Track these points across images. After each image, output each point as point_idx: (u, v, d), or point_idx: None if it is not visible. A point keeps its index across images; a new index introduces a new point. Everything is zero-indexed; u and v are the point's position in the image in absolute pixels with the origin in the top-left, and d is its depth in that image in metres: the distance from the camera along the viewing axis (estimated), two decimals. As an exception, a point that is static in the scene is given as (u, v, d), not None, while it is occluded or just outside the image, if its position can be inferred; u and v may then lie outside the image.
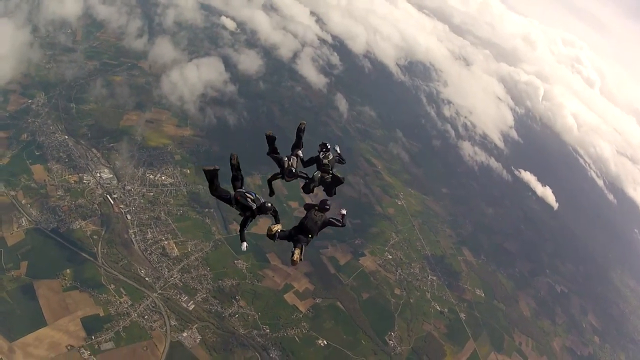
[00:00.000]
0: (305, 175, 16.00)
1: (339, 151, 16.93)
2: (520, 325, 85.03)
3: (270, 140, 15.82)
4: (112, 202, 72.05)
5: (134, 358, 56.16)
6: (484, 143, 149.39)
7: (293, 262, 13.40)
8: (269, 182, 16.62)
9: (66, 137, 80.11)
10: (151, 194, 75.44)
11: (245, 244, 14.21)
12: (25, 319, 56.15)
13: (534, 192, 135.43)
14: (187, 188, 78.88)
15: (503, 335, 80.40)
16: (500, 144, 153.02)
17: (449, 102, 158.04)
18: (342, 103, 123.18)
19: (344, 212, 15.93)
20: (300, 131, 16.36)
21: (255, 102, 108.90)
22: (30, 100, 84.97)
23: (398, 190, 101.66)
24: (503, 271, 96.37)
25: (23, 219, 65.67)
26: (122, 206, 72.01)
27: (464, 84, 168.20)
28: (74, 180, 73.45)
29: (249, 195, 13.54)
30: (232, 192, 13.65)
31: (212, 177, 13.19)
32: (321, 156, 16.12)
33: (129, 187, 75.07)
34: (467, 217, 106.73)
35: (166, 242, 68.36)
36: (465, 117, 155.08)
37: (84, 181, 73.88)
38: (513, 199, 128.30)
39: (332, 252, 78.81)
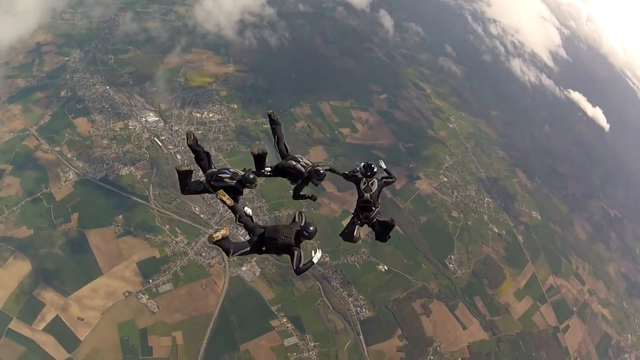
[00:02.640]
0: (329, 168, 13.29)
1: (384, 167, 13.59)
2: (577, 249, 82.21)
3: (261, 159, 12.97)
4: (161, 144, 70.72)
5: (193, 297, 56.14)
6: (534, 61, 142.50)
7: (210, 239, 10.87)
8: (298, 197, 13.39)
9: (107, 87, 78.29)
10: (199, 131, 73.37)
11: (247, 208, 11.90)
12: (80, 271, 56.26)
13: (584, 113, 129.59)
14: (236, 123, 77.10)
15: (560, 258, 77.90)
16: (549, 62, 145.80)
17: (495, 21, 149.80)
18: (386, 20, 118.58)
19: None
20: (275, 124, 13.82)
21: (296, 23, 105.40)
22: (66, 58, 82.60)
23: (448, 114, 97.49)
24: (557, 194, 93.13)
25: (70, 173, 65.09)
26: (170, 147, 70.62)
27: (508, 3, 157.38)
28: (119, 128, 72.23)
29: (223, 175, 11.67)
30: (203, 179, 11.76)
31: (185, 177, 11.68)
32: (362, 186, 12.92)
33: (177, 128, 73.45)
34: (518, 139, 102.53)
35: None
36: (512, 36, 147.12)
37: (130, 127, 72.61)
38: (563, 120, 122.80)
39: (387, 177, 75.59)
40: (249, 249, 11.30)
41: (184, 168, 11.61)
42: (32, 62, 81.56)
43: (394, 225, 12.76)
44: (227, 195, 11.13)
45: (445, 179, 79.99)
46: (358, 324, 58.58)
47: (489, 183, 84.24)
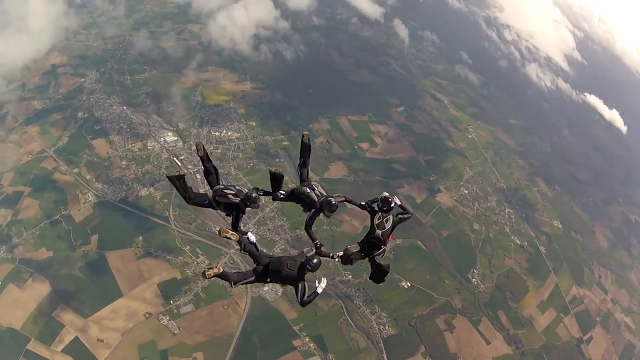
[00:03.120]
0: (344, 199, 12.52)
1: (399, 202, 12.34)
2: (599, 257, 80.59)
3: (277, 180, 12.27)
4: (180, 164, 70.45)
5: (215, 318, 55.54)
6: (549, 65, 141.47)
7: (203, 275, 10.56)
8: (309, 229, 12.15)
9: (124, 107, 78.48)
10: (218, 150, 73.43)
11: (251, 234, 11.46)
12: (99, 292, 55.94)
13: (601, 116, 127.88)
14: (255, 141, 76.96)
15: (583, 268, 76.45)
16: (565, 66, 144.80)
17: (509, 26, 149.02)
18: (401, 29, 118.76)
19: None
20: (305, 146, 13.01)
21: (311, 37, 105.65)
22: (82, 79, 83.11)
23: (467, 124, 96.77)
24: (577, 201, 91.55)
25: (89, 194, 65.04)
26: (190, 167, 70.12)
27: (520, 8, 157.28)
28: (138, 148, 72.23)
29: (228, 191, 11.37)
30: (210, 193, 11.55)
31: (178, 184, 11.40)
32: (376, 221, 12.00)
33: (195, 147, 72.23)
34: (537, 147, 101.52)
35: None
36: (527, 41, 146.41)
37: (148, 147, 72.60)
38: (581, 124, 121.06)
39: (408, 191, 75.58)
40: (253, 278, 10.97)
41: (172, 174, 11.44)
42: (48, 83, 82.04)
43: (388, 272, 12.12)
44: (230, 232, 10.86)
45: (466, 191, 79.00)
46: (381, 342, 57.57)
47: (509, 193, 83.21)
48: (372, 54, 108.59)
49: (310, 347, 55.20)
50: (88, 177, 67.44)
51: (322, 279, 11.16)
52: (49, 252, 58.99)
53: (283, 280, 10.87)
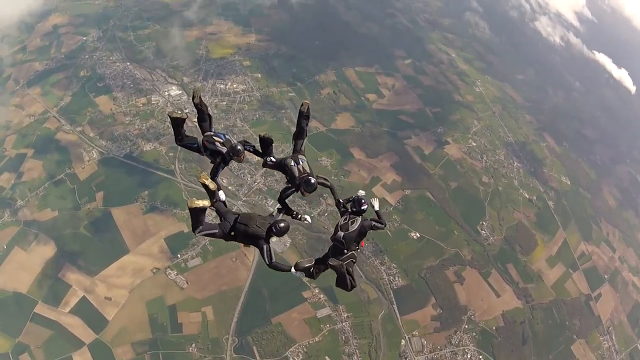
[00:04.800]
0: (328, 184, 11.47)
1: (376, 207, 11.63)
2: (607, 215, 79.78)
3: (266, 144, 11.82)
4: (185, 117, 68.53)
5: (223, 271, 55.13)
6: (560, 21, 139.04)
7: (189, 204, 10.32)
8: (282, 200, 11.66)
9: (127, 64, 77.29)
10: (224, 103, 72.43)
11: (222, 192, 11.14)
12: (106, 250, 55.58)
13: (610, 75, 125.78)
14: (260, 92, 75.77)
15: (591, 224, 75.65)
16: (575, 22, 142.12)
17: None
18: None
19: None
20: (303, 115, 12.07)
21: None
22: (84, 38, 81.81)
23: (474, 78, 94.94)
24: (585, 159, 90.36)
25: (93, 152, 64.40)
26: (195, 120, 67.93)
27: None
28: (142, 103, 71.21)
29: (217, 138, 11.29)
30: (200, 138, 11.48)
31: (177, 125, 11.48)
32: (341, 222, 11.26)
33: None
34: (545, 103, 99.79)
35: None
36: None
37: (153, 102, 71.62)
38: (590, 82, 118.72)
39: (416, 142, 74.53)
40: (217, 231, 10.60)
41: (175, 115, 11.38)
42: (49, 44, 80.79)
43: (342, 272, 10.77)
44: (209, 180, 10.72)
45: (474, 144, 77.77)
46: (391, 293, 57.24)
47: (518, 147, 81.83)
48: (379, 6, 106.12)
49: (320, 298, 54.87)
50: (92, 134, 66.52)
51: (300, 273, 10.72)
52: (54, 212, 58.50)
53: (248, 236, 10.43)
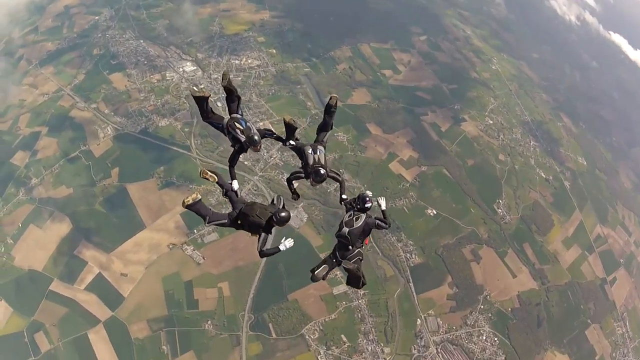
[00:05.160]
0: (339, 178, 11.90)
1: (383, 207, 11.94)
2: (622, 198, 79.01)
3: (291, 129, 11.85)
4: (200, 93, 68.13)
5: (239, 246, 54.51)
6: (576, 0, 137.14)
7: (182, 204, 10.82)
8: (289, 182, 12.23)
9: (141, 41, 77.07)
10: (239, 78, 71.79)
11: (235, 182, 11.50)
12: (122, 226, 55.46)
13: (626, 56, 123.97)
14: (276, 68, 75.29)
15: (607, 207, 74.88)
16: (591, 1, 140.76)
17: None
18: None
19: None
20: (330, 109, 12.08)
21: None
22: (96, 17, 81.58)
23: (490, 55, 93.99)
24: (601, 140, 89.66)
25: (108, 128, 64.20)
26: (211, 95, 67.81)
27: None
28: (157, 80, 70.95)
29: (238, 124, 11.16)
30: (226, 119, 11.42)
31: (201, 102, 11.31)
32: (346, 218, 11.67)
33: (215, 76, 71.60)
34: (561, 82, 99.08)
35: (261, 124, 64.02)
36: None
37: (167, 78, 71.32)
38: (606, 63, 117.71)
39: (432, 119, 73.73)
40: (226, 221, 11.03)
41: (198, 93, 11.23)
42: (61, 24, 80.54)
43: (357, 275, 11.25)
44: (209, 173, 11.04)
45: (491, 122, 76.82)
46: (408, 270, 56.73)
47: (534, 126, 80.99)
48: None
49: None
50: (106, 111, 66.28)
51: (290, 239, 10.96)
52: (69, 189, 58.43)
53: (250, 225, 10.75)
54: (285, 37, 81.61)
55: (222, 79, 11.37)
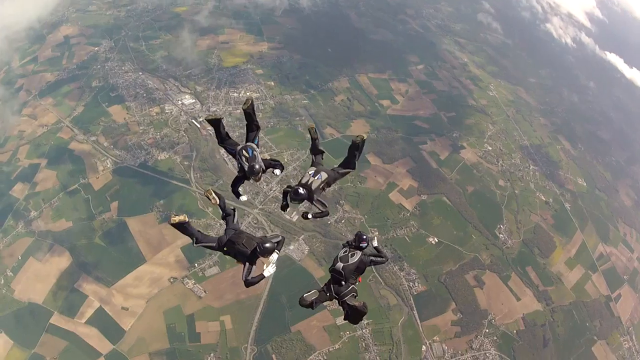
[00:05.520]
0: (322, 209, 11.90)
1: (375, 244, 12.11)
2: (623, 216, 79.01)
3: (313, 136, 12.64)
4: (199, 126, 69.80)
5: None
6: (571, 21, 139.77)
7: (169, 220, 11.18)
8: (284, 195, 12.36)
9: (140, 73, 78.11)
10: (238, 111, 71.75)
11: (244, 197, 12.49)
12: (122, 260, 55.47)
13: (622, 75, 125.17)
14: (274, 100, 76.22)
15: (608, 225, 74.98)
16: (586, 23, 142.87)
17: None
18: None
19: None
20: (354, 147, 12.32)
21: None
22: (96, 48, 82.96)
23: (487, 82, 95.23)
24: (600, 160, 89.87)
25: (107, 161, 64.60)
26: (209, 128, 68.80)
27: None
28: (156, 112, 71.69)
29: (245, 152, 11.57)
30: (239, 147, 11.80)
31: (216, 126, 11.77)
32: (341, 254, 11.70)
33: (214, 109, 72.63)
34: (558, 105, 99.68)
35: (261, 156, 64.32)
36: None
37: (166, 111, 72.03)
38: (602, 83, 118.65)
39: (431, 147, 74.51)
40: (214, 245, 11.32)
41: (211, 117, 11.63)
42: (61, 55, 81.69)
43: (365, 312, 11.20)
44: (213, 195, 11.52)
45: (490, 148, 77.57)
46: (411, 298, 56.66)
47: (533, 150, 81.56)
48: (390, 13, 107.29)
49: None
50: (105, 144, 66.91)
51: (272, 264, 11.06)
52: (69, 222, 58.62)
53: (235, 253, 10.97)
54: (283, 68, 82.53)
55: (244, 103, 11.86)
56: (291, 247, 56.95)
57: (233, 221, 11.72)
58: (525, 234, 66.62)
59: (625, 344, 61.91)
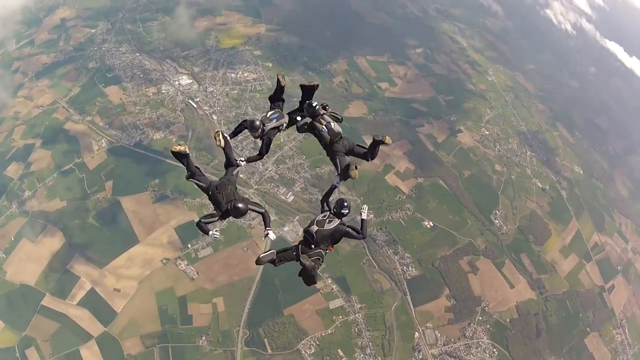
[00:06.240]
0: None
1: (363, 216, 11.23)
2: (619, 206, 78.96)
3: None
4: (195, 106, 69.25)
5: (234, 260, 54.31)
6: (572, 7, 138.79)
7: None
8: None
9: (137, 54, 77.54)
10: (235, 91, 72.28)
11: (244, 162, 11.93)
12: (115, 240, 55.08)
13: (622, 63, 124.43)
14: (272, 81, 74.18)
15: (604, 215, 74.73)
16: (587, 9, 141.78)
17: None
18: None
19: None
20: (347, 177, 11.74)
21: None
22: (92, 30, 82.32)
23: (486, 67, 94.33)
24: (597, 148, 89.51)
25: (102, 141, 64.22)
26: (206, 108, 69.33)
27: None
28: (152, 93, 71.04)
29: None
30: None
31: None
32: (319, 217, 11.23)
33: (211, 89, 72.16)
34: (556, 92, 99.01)
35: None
36: None
37: (163, 91, 71.38)
38: (601, 71, 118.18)
39: (428, 130, 73.77)
40: (204, 185, 11.19)
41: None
42: (57, 37, 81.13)
43: (311, 275, 10.50)
44: (221, 137, 11.22)
45: (487, 132, 76.86)
46: (405, 283, 56.25)
47: (530, 136, 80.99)
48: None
49: (332, 289, 54.01)
50: (101, 124, 66.38)
51: (216, 231, 11.13)
52: (63, 202, 58.21)
53: (213, 200, 10.91)
54: (281, 50, 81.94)
55: (279, 81, 12.51)
56: (285, 229, 56.48)
57: (233, 173, 11.38)
58: (521, 221, 66.15)
59: (617, 337, 61.83)
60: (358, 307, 53.43)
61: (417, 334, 53.69)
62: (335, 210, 11.03)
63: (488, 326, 55.93)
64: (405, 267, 57.23)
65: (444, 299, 56.44)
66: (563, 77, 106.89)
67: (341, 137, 11.55)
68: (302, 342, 50.83)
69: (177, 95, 70.74)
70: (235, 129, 12.36)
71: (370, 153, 11.57)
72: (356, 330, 52.29)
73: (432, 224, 61.27)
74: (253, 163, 12.81)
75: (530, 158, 76.32)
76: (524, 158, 75.81)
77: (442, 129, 74.56)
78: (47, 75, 73.66)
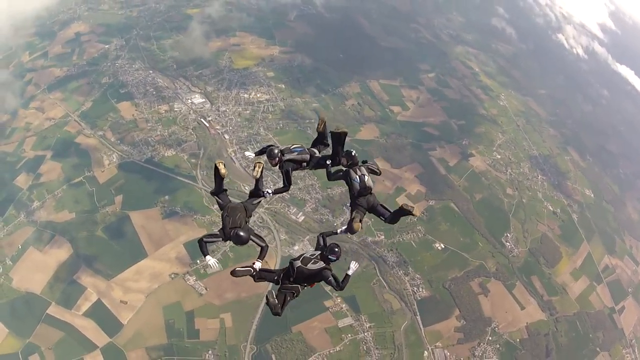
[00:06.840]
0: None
1: (349, 273, 11.15)
2: (630, 229, 78.58)
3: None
4: (208, 125, 69.89)
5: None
6: (584, 31, 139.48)
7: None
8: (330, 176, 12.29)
9: (150, 72, 78.46)
10: (247, 112, 72.98)
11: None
12: (123, 253, 55.35)
13: (633, 87, 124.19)
14: (284, 102, 76.23)
15: (614, 238, 74.61)
16: (599, 33, 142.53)
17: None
18: None
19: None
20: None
21: (340, 5, 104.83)
22: (106, 46, 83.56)
23: (498, 92, 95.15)
24: (608, 172, 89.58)
25: (113, 155, 64.80)
26: (218, 127, 69.95)
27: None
28: (165, 110, 71.84)
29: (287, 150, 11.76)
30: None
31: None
32: (307, 254, 11.17)
33: (224, 109, 72.85)
34: (568, 117, 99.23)
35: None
36: (561, 7, 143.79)
37: (175, 109, 72.11)
38: (613, 95, 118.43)
39: (440, 154, 74.45)
40: (222, 204, 11.34)
41: (342, 129, 11.73)
42: (71, 51, 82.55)
43: (277, 314, 10.97)
44: (258, 164, 11.18)
45: (499, 156, 77.41)
46: (415, 304, 56.35)
47: (542, 160, 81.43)
48: (402, 21, 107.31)
49: (342, 308, 54.08)
50: (112, 139, 67.21)
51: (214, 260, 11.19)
52: (71, 214, 58.79)
53: (222, 220, 10.87)
54: (294, 72, 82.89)
55: (319, 125, 12.14)
56: (295, 248, 56.77)
57: (254, 202, 11.53)
58: (532, 244, 66.29)
59: (627, 357, 61.50)
60: (367, 326, 53.42)
61: (426, 353, 53.53)
62: (325, 252, 10.68)
63: (498, 346, 55.77)
64: (415, 288, 57.41)
65: (454, 320, 56.37)
66: (575, 100, 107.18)
67: (370, 193, 11.44)
68: (310, 358, 50.83)
69: (189, 113, 71.70)
70: (262, 149, 12.29)
71: (390, 218, 11.43)
72: (365, 349, 52.22)
73: (443, 246, 61.44)
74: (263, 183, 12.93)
75: (542, 182, 76.56)
76: (535, 182, 76.06)
77: (454, 152, 75.16)
78: (59, 88, 74.89)
